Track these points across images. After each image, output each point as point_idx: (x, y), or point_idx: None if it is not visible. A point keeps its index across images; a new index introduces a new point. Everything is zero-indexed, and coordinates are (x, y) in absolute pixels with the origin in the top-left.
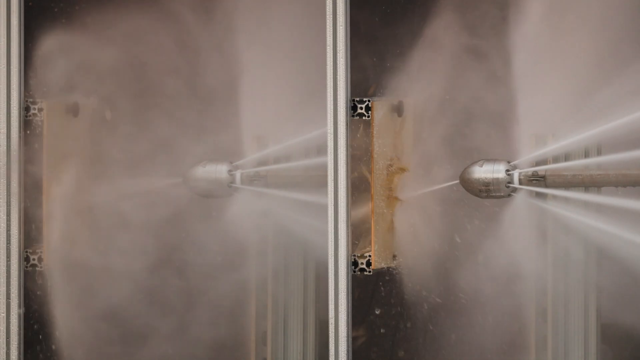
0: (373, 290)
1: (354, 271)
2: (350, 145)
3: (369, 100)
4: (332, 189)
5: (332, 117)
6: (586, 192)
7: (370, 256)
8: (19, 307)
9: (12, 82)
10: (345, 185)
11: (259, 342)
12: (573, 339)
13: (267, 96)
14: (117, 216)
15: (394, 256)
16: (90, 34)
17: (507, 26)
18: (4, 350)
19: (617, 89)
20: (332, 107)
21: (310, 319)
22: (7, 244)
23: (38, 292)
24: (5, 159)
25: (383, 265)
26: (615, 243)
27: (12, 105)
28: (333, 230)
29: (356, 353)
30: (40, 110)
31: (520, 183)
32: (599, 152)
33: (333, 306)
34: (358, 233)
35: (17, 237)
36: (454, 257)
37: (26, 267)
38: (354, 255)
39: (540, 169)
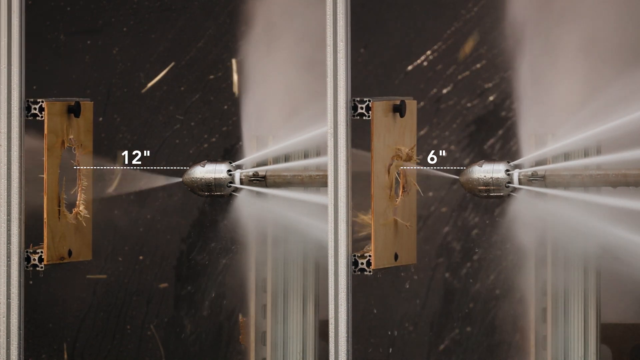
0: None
1: (354, 271)
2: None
3: (369, 100)
4: (332, 189)
5: (332, 117)
6: (586, 192)
7: (370, 256)
8: (19, 307)
9: (12, 82)
10: (345, 185)
11: (258, 342)
12: (573, 339)
13: (268, 96)
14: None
15: (396, 255)
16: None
17: (507, 26)
18: (4, 350)
19: (617, 89)
20: (332, 107)
21: (310, 318)
22: (7, 244)
23: None
24: (6, 158)
25: (384, 265)
26: (616, 243)
27: (12, 105)
28: (333, 230)
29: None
30: (41, 110)
31: (520, 183)
32: (599, 152)
33: (333, 306)
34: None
35: (17, 237)
36: (454, 256)
37: (26, 267)
38: (354, 255)
39: (540, 169)
